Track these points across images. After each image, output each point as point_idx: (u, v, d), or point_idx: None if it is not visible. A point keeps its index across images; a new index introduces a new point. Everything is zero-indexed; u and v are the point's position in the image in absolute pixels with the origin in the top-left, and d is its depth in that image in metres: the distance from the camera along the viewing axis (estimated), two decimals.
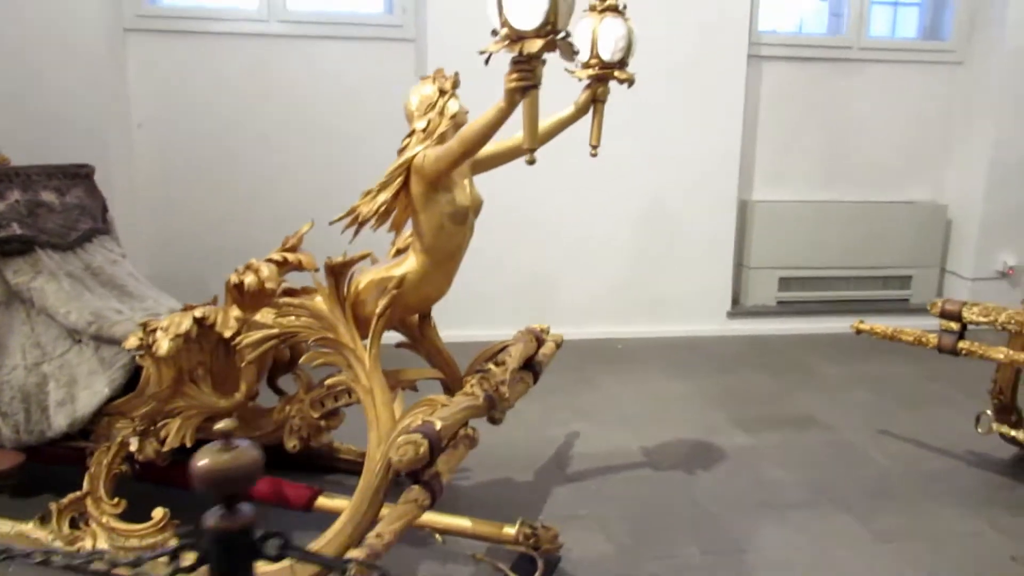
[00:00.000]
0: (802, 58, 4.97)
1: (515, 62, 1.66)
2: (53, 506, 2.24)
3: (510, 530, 2.27)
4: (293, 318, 2.13)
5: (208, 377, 2.28)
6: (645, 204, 4.72)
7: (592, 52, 2.31)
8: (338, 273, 2.10)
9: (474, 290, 4.45)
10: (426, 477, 1.83)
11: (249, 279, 2.18)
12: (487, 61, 1.69)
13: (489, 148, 2.29)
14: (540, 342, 2.67)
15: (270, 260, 2.27)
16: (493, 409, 2.18)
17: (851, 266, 5.10)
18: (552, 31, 1.62)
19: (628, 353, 4.48)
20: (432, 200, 2.08)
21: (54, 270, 2.46)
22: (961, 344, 2.79)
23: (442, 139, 2.08)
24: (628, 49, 2.33)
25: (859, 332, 3.10)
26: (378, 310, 2.10)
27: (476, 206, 2.20)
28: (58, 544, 2.21)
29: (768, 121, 5.00)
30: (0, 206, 2.46)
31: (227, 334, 2.17)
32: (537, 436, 3.25)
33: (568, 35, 1.69)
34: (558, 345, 2.96)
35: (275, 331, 2.14)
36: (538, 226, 4.59)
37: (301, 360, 2.22)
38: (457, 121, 2.12)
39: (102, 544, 2.19)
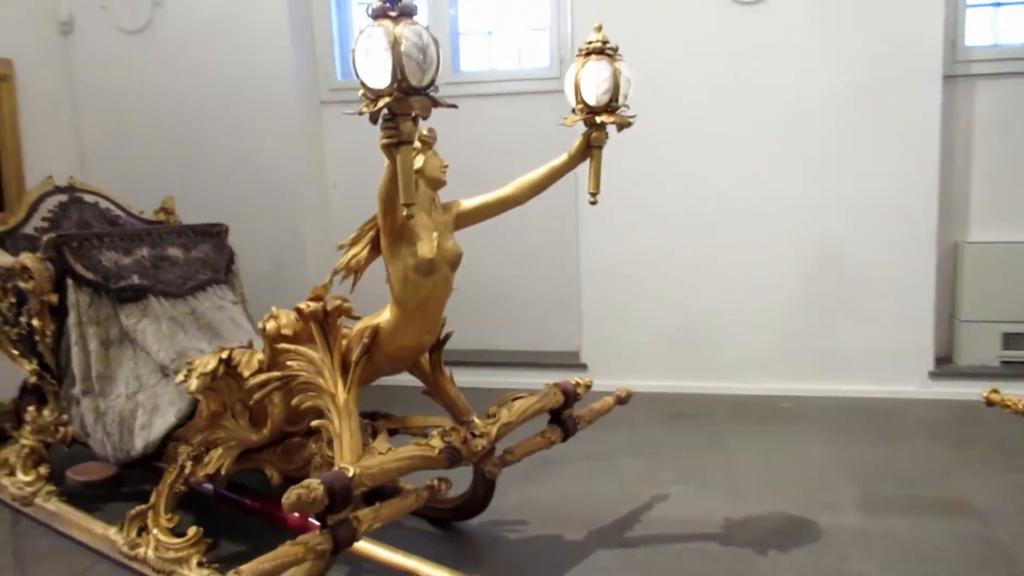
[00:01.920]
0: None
1: (383, 120, 1.70)
2: (127, 515, 2.64)
3: None
4: (293, 363, 2.31)
5: (246, 413, 2.54)
6: (820, 247, 4.27)
7: (577, 97, 2.24)
8: (320, 321, 2.24)
9: (626, 339, 4.40)
10: (330, 522, 1.88)
11: (270, 325, 2.41)
12: (373, 120, 1.73)
13: (474, 202, 2.31)
14: (569, 396, 2.57)
15: (296, 308, 2.49)
16: (456, 462, 2.16)
17: None
18: (405, 88, 1.64)
19: (790, 413, 4.05)
20: (396, 253, 2.15)
21: (159, 314, 2.92)
22: None
23: None
24: (614, 91, 2.21)
25: (990, 404, 2.54)
26: (353, 358, 2.21)
27: (449, 258, 2.21)
28: (124, 549, 2.59)
29: (984, 150, 4.28)
30: (127, 260, 2.98)
31: (245, 375, 2.42)
32: (620, 494, 3.09)
33: (434, 89, 1.70)
34: (621, 400, 2.83)
35: (276, 374, 2.34)
36: (697, 270, 4.37)
37: (292, 402, 2.39)
38: (427, 175, 2.17)
39: (151, 553, 2.53)
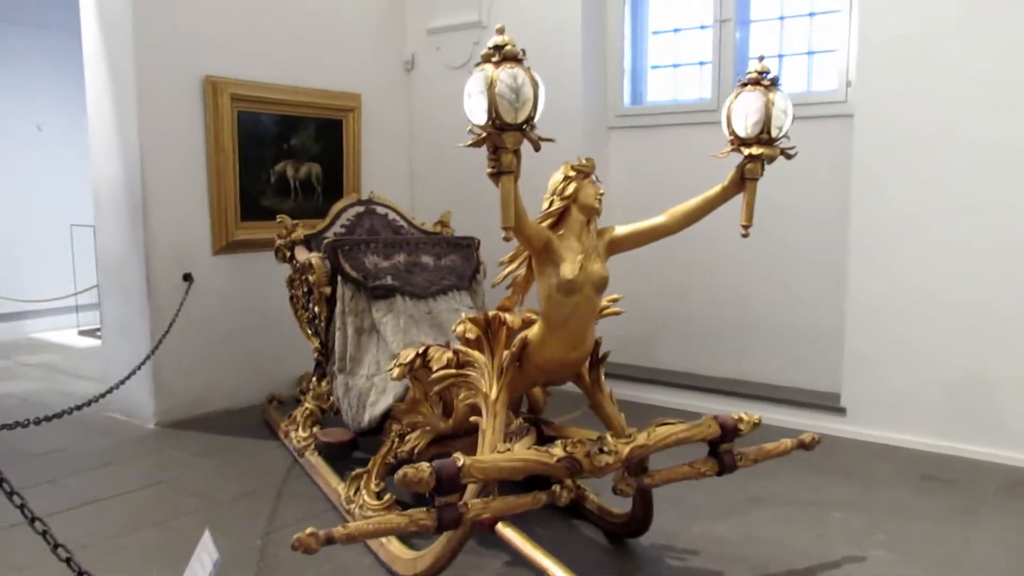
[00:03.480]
0: None
1: (488, 152, 1.93)
2: (350, 475, 3.16)
3: None
4: (469, 363, 2.62)
5: (439, 403, 2.92)
6: None
7: (729, 128, 2.23)
8: (485, 328, 2.52)
9: (893, 386, 4.03)
10: (437, 503, 2.13)
11: (459, 329, 2.71)
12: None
13: (627, 229, 2.41)
14: (727, 430, 2.53)
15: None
16: (577, 473, 2.29)
17: None
18: (500, 125, 1.85)
19: None
20: (542, 272, 2.35)
21: (401, 311, 3.43)
22: None
23: (561, 218, 2.34)
24: (764, 123, 2.16)
25: None
26: (504, 365, 2.45)
27: (594, 281, 2.33)
28: (343, 502, 3.11)
29: None
30: (385, 263, 3.55)
31: (434, 368, 2.78)
32: (811, 546, 2.89)
33: (530, 126, 1.87)
34: (805, 445, 2.72)
35: (452, 371, 2.67)
36: (984, 317, 3.82)
37: (458, 397, 2.68)
38: (580, 202, 2.34)
39: (358, 509, 3.01)
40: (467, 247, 3.79)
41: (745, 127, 2.22)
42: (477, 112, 1.87)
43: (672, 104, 5.09)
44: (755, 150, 2.24)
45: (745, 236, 2.32)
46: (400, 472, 2.08)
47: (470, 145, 1.93)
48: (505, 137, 1.87)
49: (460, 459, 2.14)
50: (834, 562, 2.78)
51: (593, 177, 2.40)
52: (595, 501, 3.05)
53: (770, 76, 2.25)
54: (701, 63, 5.00)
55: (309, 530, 1.90)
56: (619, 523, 2.91)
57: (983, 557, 2.87)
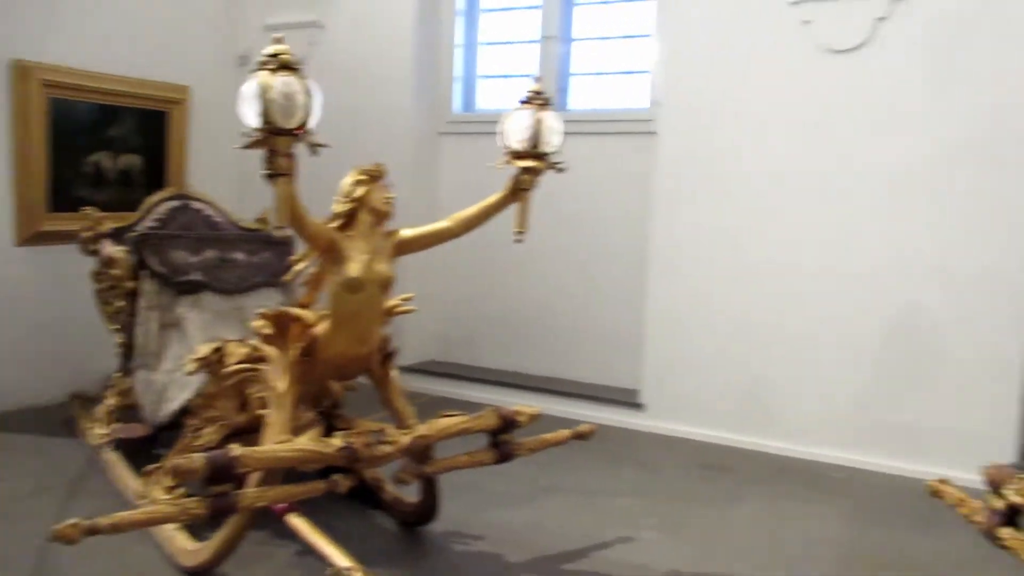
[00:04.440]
0: None
1: (264, 155, 2.02)
2: (143, 470, 3.14)
3: None
4: (261, 359, 2.68)
5: (237, 397, 2.96)
6: (904, 315, 3.97)
7: (504, 142, 2.42)
8: (279, 324, 2.59)
9: (687, 385, 4.38)
10: (210, 491, 2.19)
11: (256, 323, 2.78)
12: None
13: (414, 232, 2.55)
14: (507, 422, 2.71)
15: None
16: (355, 463, 2.40)
17: None
18: (273, 129, 1.95)
19: (833, 484, 3.81)
20: (329, 270, 2.45)
21: (207, 307, 3.44)
22: (1003, 532, 1.98)
23: (351, 220, 2.45)
24: (535, 139, 2.36)
25: (935, 494, 2.35)
26: (290, 359, 2.54)
27: (379, 280, 2.46)
28: (137, 496, 3.09)
29: None
30: (193, 259, 3.54)
31: (228, 362, 2.83)
32: (590, 530, 3.12)
33: (306, 132, 1.98)
34: (581, 435, 2.95)
35: (244, 365, 2.72)
36: (769, 327, 4.23)
37: (248, 390, 2.75)
38: (369, 205, 2.46)
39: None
40: (282, 244, 3.83)
41: (519, 142, 2.41)
42: (250, 115, 1.96)
43: (501, 113, 5.28)
44: (527, 163, 2.43)
45: (518, 241, 2.51)
46: (172, 463, 2.13)
47: (245, 147, 2.02)
48: (278, 141, 1.96)
49: (234, 449, 2.21)
50: (606, 543, 3.03)
51: (384, 182, 2.52)
52: (391, 492, 3.17)
53: (543, 96, 2.45)
54: (529, 76, 5.21)
55: (70, 521, 1.92)
56: (410, 512, 3.05)
57: (738, 534, 3.20)
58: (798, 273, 4.15)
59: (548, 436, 2.87)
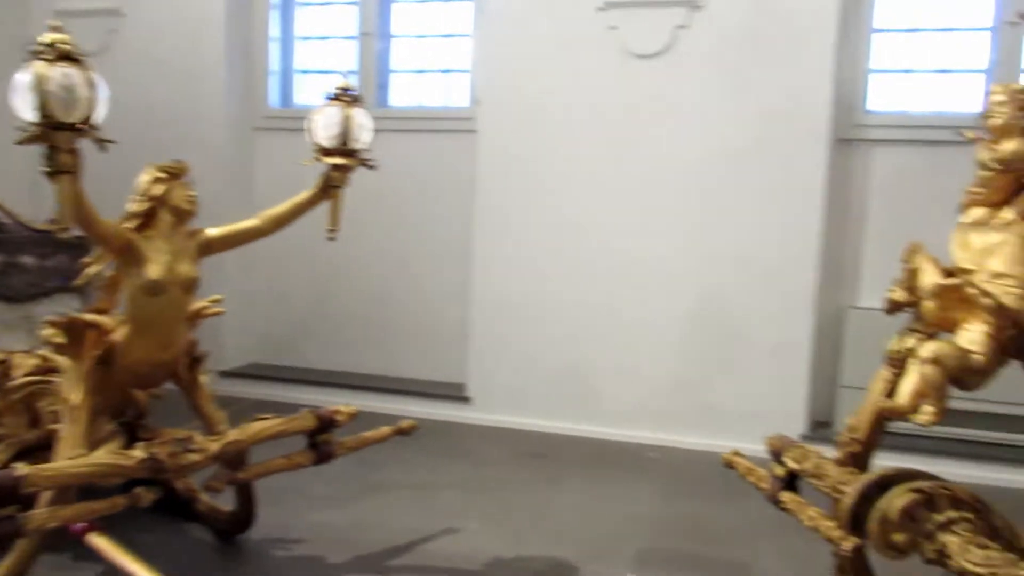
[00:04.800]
0: (923, 141, 4.14)
1: (44, 151, 1.88)
2: None
3: None
4: (53, 370, 2.49)
5: (26, 413, 2.73)
6: (705, 301, 4.28)
7: (313, 140, 2.38)
8: (72, 331, 2.42)
9: (512, 376, 4.48)
10: None
11: (45, 332, 2.57)
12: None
13: (219, 231, 2.46)
14: (324, 422, 2.67)
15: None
16: (161, 473, 2.29)
17: (1000, 400, 3.97)
18: (52, 124, 1.82)
19: (649, 464, 4.04)
20: (126, 272, 2.32)
21: None
22: (784, 495, 2.18)
23: (147, 219, 2.33)
24: (344, 136, 2.34)
25: (728, 466, 2.54)
26: (84, 369, 2.38)
27: (181, 282, 2.36)
28: None
29: (879, 216, 4.24)
30: None
31: (17, 376, 2.61)
32: (414, 525, 3.14)
33: (92, 127, 1.86)
34: (403, 431, 2.94)
35: (34, 378, 2.52)
36: (585, 316, 4.41)
37: (39, 404, 2.56)
38: (170, 203, 2.34)
39: None
40: (78, 247, 3.56)
41: (327, 138, 2.38)
42: (24, 108, 1.82)
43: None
44: (336, 160, 2.41)
45: (331, 239, 2.49)
46: None
47: (19, 143, 1.87)
48: (58, 136, 1.84)
49: (19, 468, 2.05)
50: (431, 536, 3.06)
51: (186, 179, 2.42)
52: (206, 501, 3.05)
53: (352, 93, 2.44)
54: (349, 72, 5.14)
55: None
56: (226, 521, 2.94)
57: (559, 517, 3.32)
58: (611, 264, 4.35)
59: (369, 434, 2.86)
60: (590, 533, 3.18)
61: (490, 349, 4.57)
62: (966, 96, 4.21)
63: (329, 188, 2.46)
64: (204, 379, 2.65)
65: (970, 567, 1.61)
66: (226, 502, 2.93)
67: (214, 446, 2.40)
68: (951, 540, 1.69)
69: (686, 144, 4.22)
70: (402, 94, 5.13)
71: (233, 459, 2.52)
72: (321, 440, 2.70)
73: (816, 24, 4.04)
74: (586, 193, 4.38)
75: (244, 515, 2.85)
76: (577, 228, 4.40)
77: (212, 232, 2.48)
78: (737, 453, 2.55)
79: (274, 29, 5.19)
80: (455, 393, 4.64)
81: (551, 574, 2.83)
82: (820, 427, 4.23)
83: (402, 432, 2.95)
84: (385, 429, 2.91)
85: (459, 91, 4.98)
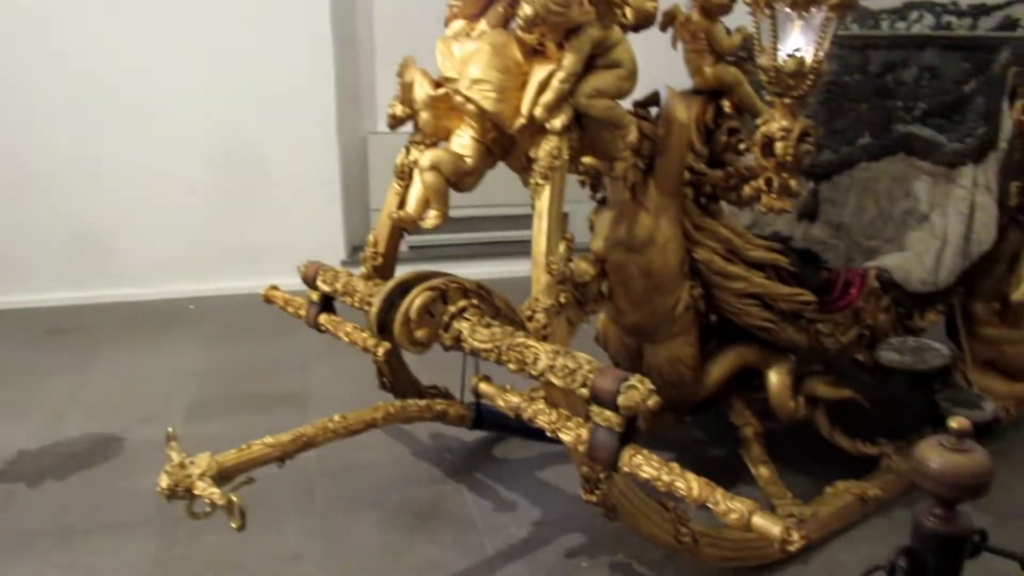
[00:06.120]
0: None
1: None
2: None
3: None
4: None
5: None
6: (228, 141, 4.07)
7: None
8: None
9: (16, 252, 3.86)
10: None
11: None
12: None
13: None
14: None
15: None
16: None
17: (496, 204, 4.49)
18: None
19: (190, 317, 3.88)
20: None
21: None
22: (322, 318, 2.25)
23: None
24: None
25: (268, 301, 2.53)
26: None
27: None
28: None
29: (388, 45, 4.34)
30: None
31: None
32: None
33: None
34: None
35: None
36: (86, 170, 3.90)
37: None
38: None
39: None
40: None
41: None
42: None
43: None
44: None
45: None
46: None
47: None
48: None
49: None
50: None
51: None
52: None
53: None
54: None
55: None
56: None
57: (98, 391, 3.06)
58: (116, 111, 3.88)
59: None
60: (136, 398, 3.00)
61: None
62: None
63: None
64: None
65: (479, 344, 1.83)
66: None
67: None
68: (463, 326, 1.90)
69: None
70: None
71: None
72: None
73: None
74: (62, 24, 3.75)
75: None
76: (56, 68, 3.78)
77: None
78: (274, 287, 2.54)
79: None
80: None
81: (97, 451, 2.62)
82: (358, 251, 4.41)
83: None
84: None
85: None
